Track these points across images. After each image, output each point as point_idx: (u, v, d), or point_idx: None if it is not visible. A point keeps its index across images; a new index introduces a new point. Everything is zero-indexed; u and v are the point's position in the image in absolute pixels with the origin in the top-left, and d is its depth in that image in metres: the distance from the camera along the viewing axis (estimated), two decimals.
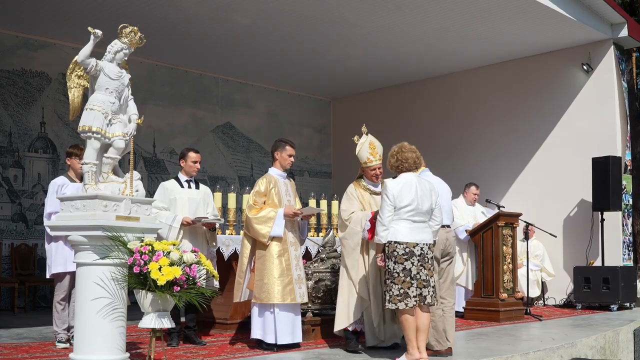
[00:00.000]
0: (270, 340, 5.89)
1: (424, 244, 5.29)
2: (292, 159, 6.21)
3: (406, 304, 5.19)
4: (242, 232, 6.86)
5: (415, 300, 5.21)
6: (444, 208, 5.99)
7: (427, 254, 5.30)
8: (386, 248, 5.34)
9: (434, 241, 5.51)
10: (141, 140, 10.83)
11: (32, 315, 8.79)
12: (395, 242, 5.26)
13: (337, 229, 7.53)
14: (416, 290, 5.21)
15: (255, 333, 5.99)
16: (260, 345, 5.97)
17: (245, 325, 6.71)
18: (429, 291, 5.26)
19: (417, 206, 5.30)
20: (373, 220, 5.61)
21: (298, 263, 6.09)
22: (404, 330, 5.30)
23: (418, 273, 5.24)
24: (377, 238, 5.38)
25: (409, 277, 5.21)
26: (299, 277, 6.04)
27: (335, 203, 8.10)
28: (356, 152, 6.09)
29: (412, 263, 5.22)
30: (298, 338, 6.01)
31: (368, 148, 6.01)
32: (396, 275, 5.24)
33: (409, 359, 5.25)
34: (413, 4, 8.86)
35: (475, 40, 10.30)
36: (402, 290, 5.21)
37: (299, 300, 5.97)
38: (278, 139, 6.37)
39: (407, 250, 5.23)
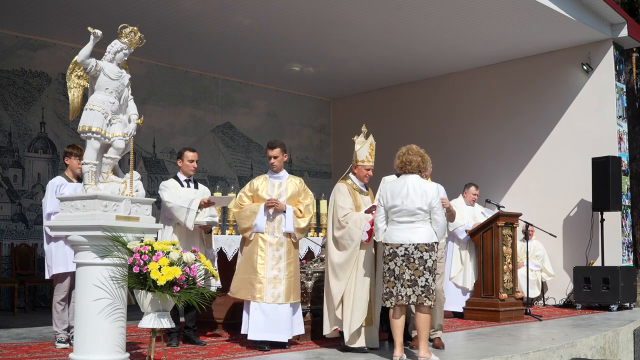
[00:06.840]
0: (250, 336, 5.95)
1: (409, 244, 5.34)
2: (271, 160, 6.48)
3: (391, 303, 5.37)
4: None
5: (399, 299, 5.33)
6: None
7: (412, 254, 5.33)
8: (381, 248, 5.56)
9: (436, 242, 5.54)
10: (141, 140, 10.83)
11: (32, 315, 8.79)
12: (384, 244, 5.47)
13: (324, 228, 7.71)
14: (401, 289, 5.32)
15: (243, 328, 6.07)
16: (258, 345, 5.97)
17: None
18: (414, 290, 5.31)
19: (404, 206, 5.37)
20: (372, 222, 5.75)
21: (278, 264, 6.05)
22: (391, 329, 5.47)
23: (403, 273, 5.33)
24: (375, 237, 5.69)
25: (392, 277, 5.37)
26: (275, 277, 6.00)
27: None
28: (356, 149, 6.16)
29: (396, 263, 5.37)
30: (282, 337, 5.96)
31: (369, 148, 6.16)
32: (384, 274, 5.45)
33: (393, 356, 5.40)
34: (413, 4, 8.86)
35: (475, 40, 10.30)
36: (387, 289, 5.40)
37: (268, 300, 5.94)
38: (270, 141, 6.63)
39: (391, 251, 5.39)
